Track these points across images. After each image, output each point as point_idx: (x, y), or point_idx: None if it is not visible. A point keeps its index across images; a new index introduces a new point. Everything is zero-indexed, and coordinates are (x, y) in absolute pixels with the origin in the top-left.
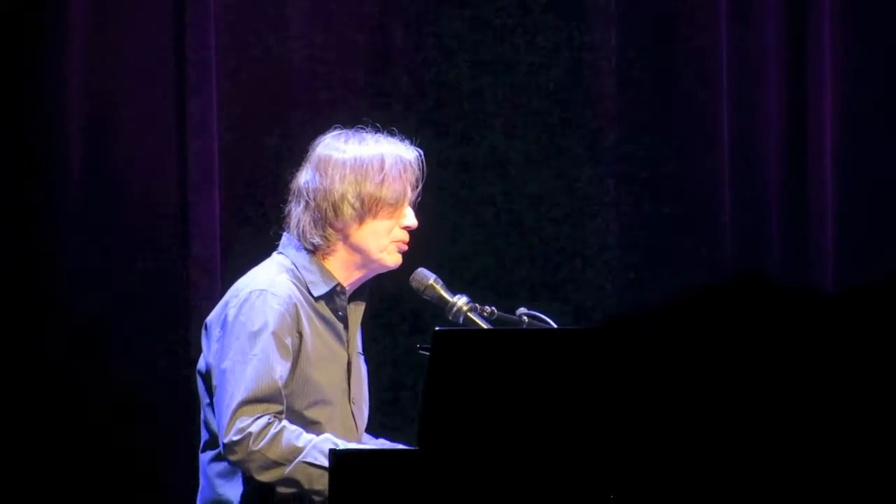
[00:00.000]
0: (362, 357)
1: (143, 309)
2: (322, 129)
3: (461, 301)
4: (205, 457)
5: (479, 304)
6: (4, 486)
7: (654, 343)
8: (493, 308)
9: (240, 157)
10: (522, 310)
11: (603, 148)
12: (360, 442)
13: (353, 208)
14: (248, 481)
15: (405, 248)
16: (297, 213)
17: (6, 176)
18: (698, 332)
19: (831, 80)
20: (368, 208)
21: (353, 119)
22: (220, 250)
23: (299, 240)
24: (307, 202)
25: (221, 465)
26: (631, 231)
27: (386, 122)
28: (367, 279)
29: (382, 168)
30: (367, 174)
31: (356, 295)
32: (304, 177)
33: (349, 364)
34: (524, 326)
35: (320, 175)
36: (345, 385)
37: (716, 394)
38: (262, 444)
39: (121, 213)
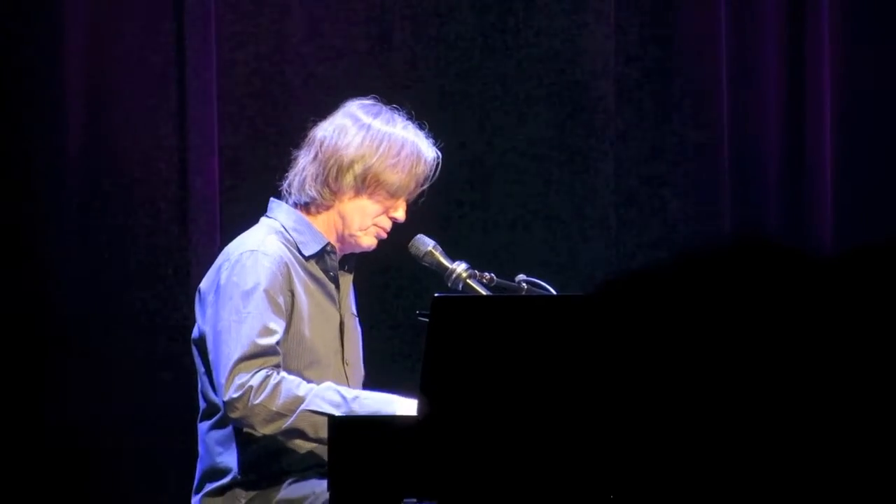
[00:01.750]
0: (356, 319)
1: (142, 283)
2: (322, 101)
3: (460, 268)
4: (203, 426)
5: (479, 271)
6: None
7: (654, 308)
8: (492, 275)
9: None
10: (521, 276)
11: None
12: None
13: (355, 178)
14: (247, 448)
15: (384, 235)
16: (304, 162)
17: (4, 153)
18: (698, 296)
19: (830, 42)
20: (368, 185)
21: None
22: (220, 224)
23: (298, 191)
24: (317, 154)
25: (220, 433)
26: (629, 196)
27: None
28: (346, 252)
29: (399, 153)
30: (382, 152)
31: (342, 265)
32: (323, 131)
33: (342, 324)
34: (523, 293)
35: (339, 135)
36: (338, 345)
37: (716, 357)
38: (262, 396)
39: (119, 183)
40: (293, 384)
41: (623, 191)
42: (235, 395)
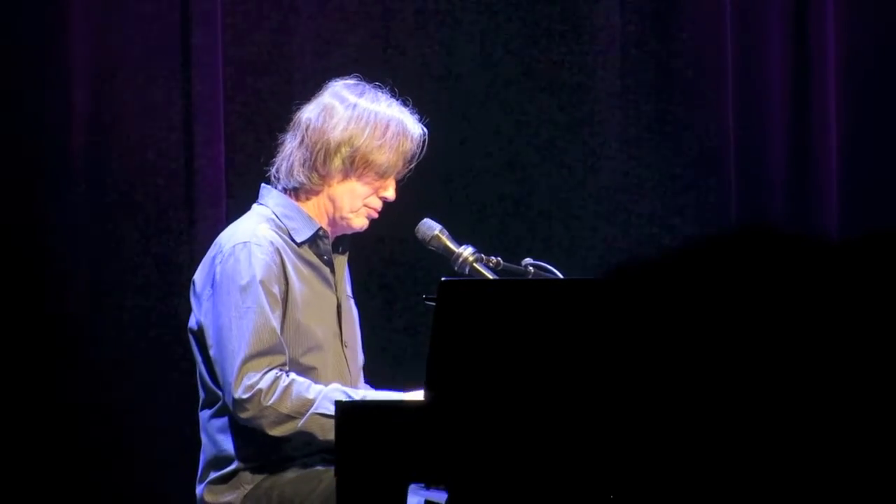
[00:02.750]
0: (352, 300)
1: (146, 269)
2: (327, 79)
3: (467, 251)
4: (204, 414)
5: (485, 255)
6: (10, 446)
7: (661, 293)
8: (499, 258)
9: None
10: (528, 260)
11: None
12: (356, 387)
13: (343, 161)
14: (249, 435)
15: (375, 216)
16: (291, 147)
17: (7, 136)
18: (706, 283)
19: (835, 32)
20: (356, 166)
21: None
22: (225, 215)
23: (286, 177)
24: (303, 139)
25: (221, 421)
26: (637, 177)
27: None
28: (339, 234)
29: (385, 133)
30: (368, 133)
31: (336, 247)
32: (308, 113)
33: (339, 307)
34: (530, 277)
35: (324, 118)
36: (336, 328)
37: (723, 342)
38: (272, 399)
39: (123, 170)
40: (303, 387)
41: (631, 183)
42: (245, 396)
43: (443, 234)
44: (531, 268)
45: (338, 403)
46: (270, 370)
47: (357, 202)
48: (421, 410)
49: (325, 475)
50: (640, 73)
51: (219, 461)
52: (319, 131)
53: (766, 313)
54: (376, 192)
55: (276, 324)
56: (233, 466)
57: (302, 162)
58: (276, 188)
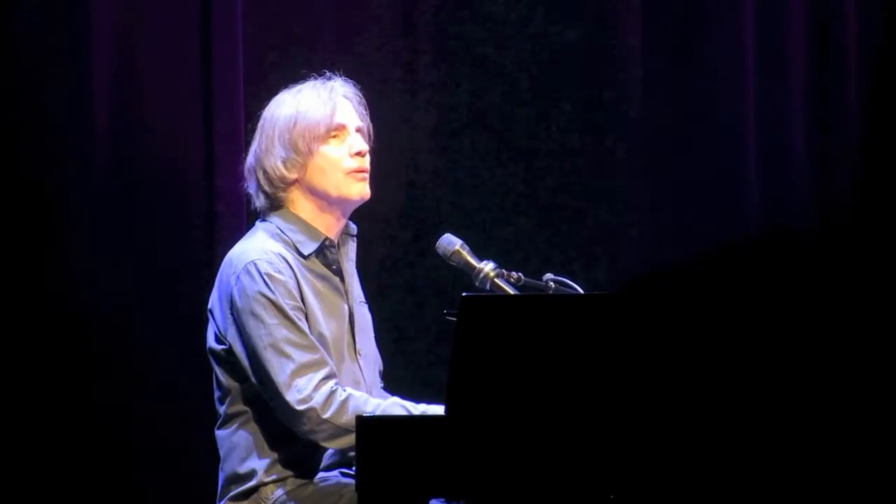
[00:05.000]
0: (365, 305)
1: (166, 273)
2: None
3: (488, 267)
4: (222, 433)
5: (506, 270)
6: (24, 450)
7: (680, 309)
8: (520, 274)
9: None
10: (549, 275)
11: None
12: (370, 393)
13: (287, 157)
14: (270, 451)
15: (364, 175)
16: (253, 186)
17: (32, 135)
18: (726, 295)
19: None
20: (305, 139)
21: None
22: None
23: (266, 202)
24: (252, 172)
25: (241, 438)
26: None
27: (412, 84)
28: (345, 220)
29: (296, 109)
30: (282, 123)
31: (344, 240)
32: (250, 156)
33: (351, 316)
34: (551, 292)
35: (255, 143)
36: (349, 337)
37: (743, 355)
38: (329, 413)
39: (146, 189)
40: (360, 401)
41: (652, 189)
42: (301, 409)
43: (463, 250)
44: (552, 283)
45: (358, 418)
46: (323, 381)
47: (335, 174)
48: (442, 425)
49: (345, 490)
50: (662, 91)
51: (239, 477)
52: (254, 157)
53: (786, 326)
54: (343, 153)
55: (309, 333)
56: (253, 482)
57: (262, 185)
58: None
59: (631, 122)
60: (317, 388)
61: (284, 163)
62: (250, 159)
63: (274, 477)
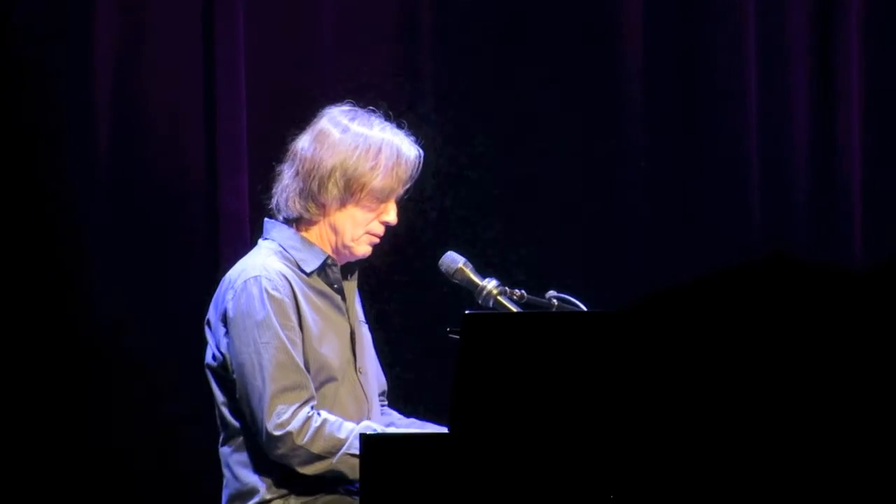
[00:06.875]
0: (366, 325)
1: (171, 277)
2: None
3: (491, 284)
4: (225, 450)
5: (509, 288)
6: (29, 459)
7: (684, 326)
8: (523, 291)
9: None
10: (552, 293)
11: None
12: (371, 411)
13: (338, 188)
14: (272, 469)
15: (377, 241)
16: (288, 177)
17: (33, 140)
18: (729, 314)
19: (858, 45)
20: (352, 192)
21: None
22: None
23: (285, 208)
24: (298, 169)
25: (244, 456)
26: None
27: (409, 92)
28: (343, 263)
29: (378, 156)
30: (359, 157)
31: (345, 273)
32: (302, 143)
33: (352, 334)
34: (554, 309)
35: (316, 146)
36: (350, 355)
37: (748, 374)
38: (305, 439)
39: (148, 202)
40: (335, 426)
41: (654, 203)
42: (277, 434)
43: (466, 267)
44: (555, 300)
45: (362, 436)
46: (301, 407)
47: (359, 230)
48: (446, 443)
49: None
50: (663, 99)
51: (242, 495)
52: (312, 160)
53: (791, 344)
54: (377, 216)
55: (298, 357)
56: (256, 499)
57: (298, 192)
58: (278, 220)
59: (634, 151)
60: (294, 413)
61: (331, 193)
62: (310, 152)
63: (277, 494)
